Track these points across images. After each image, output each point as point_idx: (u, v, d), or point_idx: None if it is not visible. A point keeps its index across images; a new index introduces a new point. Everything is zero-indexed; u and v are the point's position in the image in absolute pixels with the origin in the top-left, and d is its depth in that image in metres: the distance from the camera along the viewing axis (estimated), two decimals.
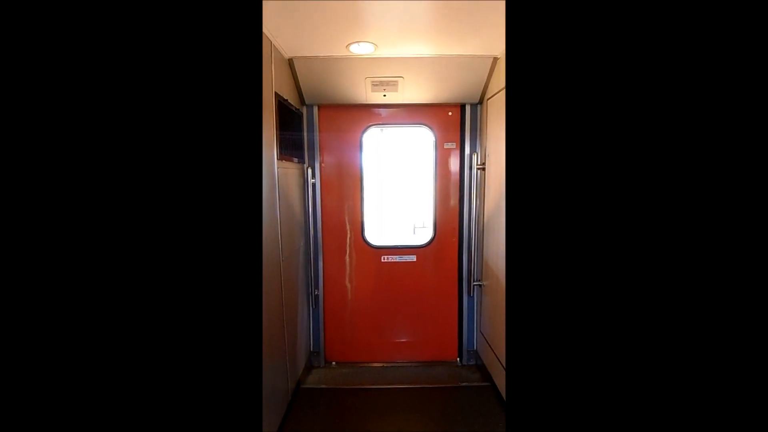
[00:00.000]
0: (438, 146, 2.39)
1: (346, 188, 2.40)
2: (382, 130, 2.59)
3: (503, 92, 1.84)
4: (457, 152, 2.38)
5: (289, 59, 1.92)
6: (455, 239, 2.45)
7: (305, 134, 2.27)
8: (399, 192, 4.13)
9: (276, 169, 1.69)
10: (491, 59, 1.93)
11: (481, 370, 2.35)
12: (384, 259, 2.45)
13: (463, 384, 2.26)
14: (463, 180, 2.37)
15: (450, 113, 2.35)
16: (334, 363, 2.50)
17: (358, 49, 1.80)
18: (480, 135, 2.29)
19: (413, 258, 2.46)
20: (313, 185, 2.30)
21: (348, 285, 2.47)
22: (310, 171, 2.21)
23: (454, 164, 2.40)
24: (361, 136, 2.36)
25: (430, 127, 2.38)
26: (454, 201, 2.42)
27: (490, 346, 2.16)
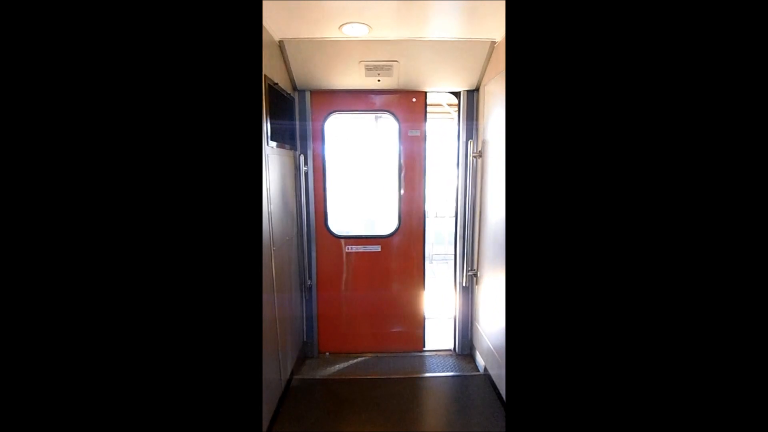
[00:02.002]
0: (402, 134, 2.32)
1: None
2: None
3: (500, 78, 1.79)
4: (421, 140, 2.33)
5: (279, 41, 1.84)
6: (421, 230, 2.42)
7: (297, 120, 2.20)
8: (383, 183, 4.09)
9: (265, 156, 1.63)
10: (489, 43, 1.87)
11: (477, 359, 2.36)
12: (349, 249, 2.41)
13: (458, 373, 2.27)
14: (459, 167, 2.33)
15: (414, 99, 2.27)
16: (327, 353, 2.49)
17: (352, 31, 1.72)
18: (476, 122, 2.24)
19: (377, 248, 2.43)
20: (306, 173, 2.24)
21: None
22: (302, 158, 2.15)
23: (419, 152, 2.34)
24: (323, 124, 2.28)
25: (393, 115, 2.30)
26: (419, 191, 2.38)
27: (484, 335, 2.16)
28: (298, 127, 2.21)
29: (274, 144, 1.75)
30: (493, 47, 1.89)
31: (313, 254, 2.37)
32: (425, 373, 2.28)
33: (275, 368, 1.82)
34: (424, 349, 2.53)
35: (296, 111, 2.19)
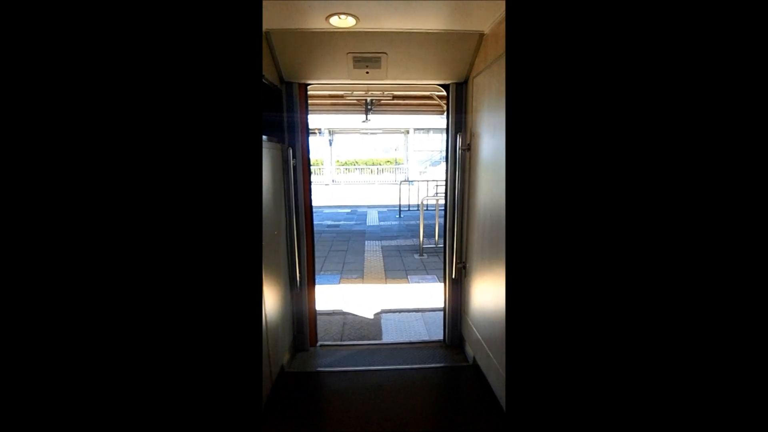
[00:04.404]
0: None
1: None
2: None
3: (489, 70, 1.79)
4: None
5: (265, 32, 1.80)
6: (309, 225, 2.38)
7: (285, 112, 2.18)
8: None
9: None
10: (477, 35, 1.87)
11: (466, 350, 2.39)
12: None
13: (448, 364, 2.30)
14: (448, 161, 2.33)
15: None
16: (319, 345, 2.50)
17: (339, 22, 1.70)
18: (465, 115, 2.24)
19: None
20: (295, 167, 2.22)
21: None
22: (290, 151, 2.13)
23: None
24: None
25: None
26: (303, 184, 2.31)
27: (473, 326, 2.19)
28: (286, 119, 2.18)
29: (263, 137, 1.73)
30: (482, 39, 1.89)
31: (303, 248, 2.36)
32: (416, 364, 2.30)
33: (265, 362, 1.82)
34: (318, 344, 2.53)
35: (284, 103, 2.17)
